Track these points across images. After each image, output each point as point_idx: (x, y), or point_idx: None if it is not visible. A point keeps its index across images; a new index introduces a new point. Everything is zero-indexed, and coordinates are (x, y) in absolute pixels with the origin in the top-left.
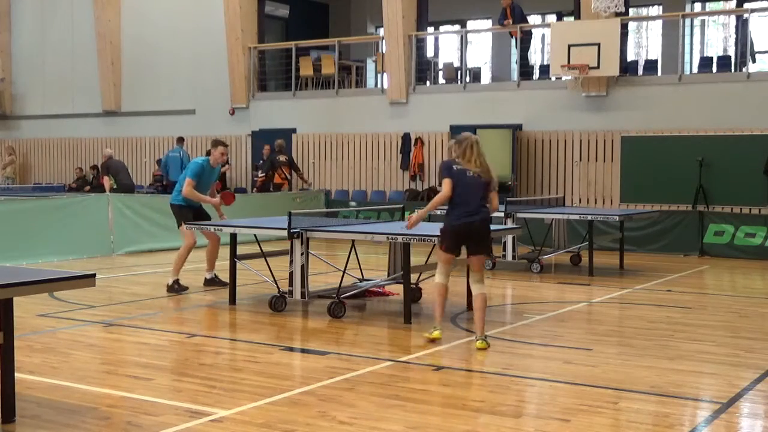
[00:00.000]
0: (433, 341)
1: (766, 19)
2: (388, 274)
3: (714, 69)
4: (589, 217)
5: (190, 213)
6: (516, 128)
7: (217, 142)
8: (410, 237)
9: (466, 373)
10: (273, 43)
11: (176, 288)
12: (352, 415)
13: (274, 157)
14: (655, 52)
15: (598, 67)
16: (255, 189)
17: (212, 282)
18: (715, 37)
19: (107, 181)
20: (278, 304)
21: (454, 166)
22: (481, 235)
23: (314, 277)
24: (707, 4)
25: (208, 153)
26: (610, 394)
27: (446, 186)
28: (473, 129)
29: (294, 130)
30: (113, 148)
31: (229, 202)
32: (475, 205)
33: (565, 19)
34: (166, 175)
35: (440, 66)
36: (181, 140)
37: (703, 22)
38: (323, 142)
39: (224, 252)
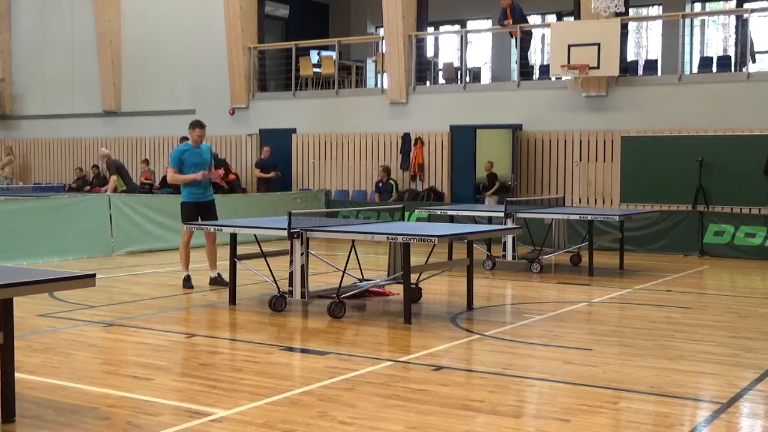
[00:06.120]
0: None
1: (766, 19)
2: (388, 274)
3: (714, 69)
4: (589, 217)
5: (192, 211)
6: (516, 128)
7: (194, 124)
8: (410, 237)
9: (465, 373)
10: (273, 43)
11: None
12: (352, 415)
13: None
14: (655, 52)
15: (598, 67)
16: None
17: (217, 281)
18: (715, 37)
19: (114, 182)
20: (278, 304)
21: None
22: None
23: (314, 277)
24: (707, 4)
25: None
26: (610, 394)
27: None
28: (473, 129)
29: (294, 130)
30: (113, 148)
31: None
32: None
33: (565, 19)
34: None
35: (440, 66)
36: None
37: (703, 22)
38: (323, 142)
39: (224, 252)
